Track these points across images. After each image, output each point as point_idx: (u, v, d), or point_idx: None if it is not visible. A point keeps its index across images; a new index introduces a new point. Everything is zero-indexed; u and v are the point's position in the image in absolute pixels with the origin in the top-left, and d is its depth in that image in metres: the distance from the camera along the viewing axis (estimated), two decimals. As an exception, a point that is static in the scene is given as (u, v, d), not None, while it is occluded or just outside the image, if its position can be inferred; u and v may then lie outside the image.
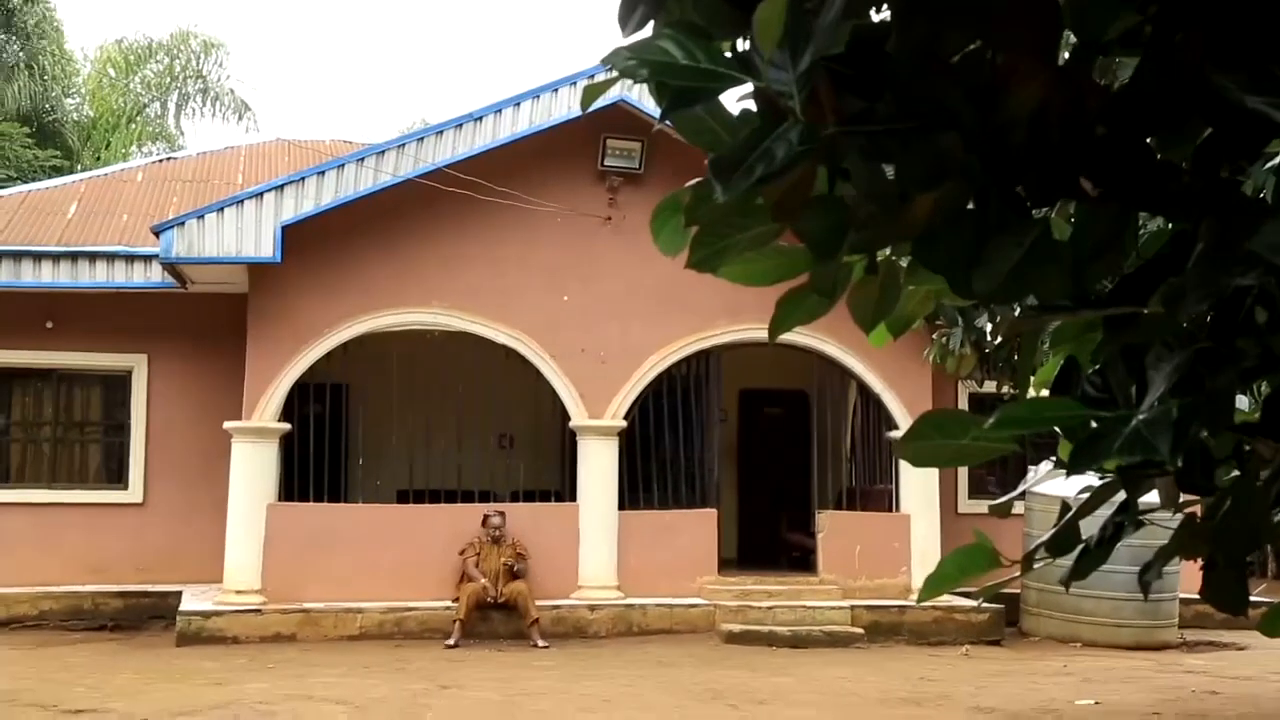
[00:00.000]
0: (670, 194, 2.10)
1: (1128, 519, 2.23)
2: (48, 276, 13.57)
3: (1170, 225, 2.41)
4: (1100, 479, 2.29)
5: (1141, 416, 1.81)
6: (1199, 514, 2.23)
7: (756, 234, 1.97)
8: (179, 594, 13.02)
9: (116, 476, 14.38)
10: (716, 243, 1.99)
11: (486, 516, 12.67)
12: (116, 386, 14.44)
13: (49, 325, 14.00)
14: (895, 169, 1.88)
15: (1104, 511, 2.32)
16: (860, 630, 12.82)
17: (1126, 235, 2.09)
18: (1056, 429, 2.07)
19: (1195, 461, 1.99)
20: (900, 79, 1.82)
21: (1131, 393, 1.91)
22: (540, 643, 12.01)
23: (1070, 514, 2.28)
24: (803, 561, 14.53)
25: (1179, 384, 1.83)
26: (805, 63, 1.73)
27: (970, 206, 1.94)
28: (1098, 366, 2.09)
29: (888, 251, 2.33)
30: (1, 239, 13.83)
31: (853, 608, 13.10)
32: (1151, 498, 2.30)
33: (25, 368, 14.21)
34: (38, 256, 13.57)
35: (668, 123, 2.02)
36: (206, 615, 12.13)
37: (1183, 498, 2.25)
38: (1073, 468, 1.89)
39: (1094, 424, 1.89)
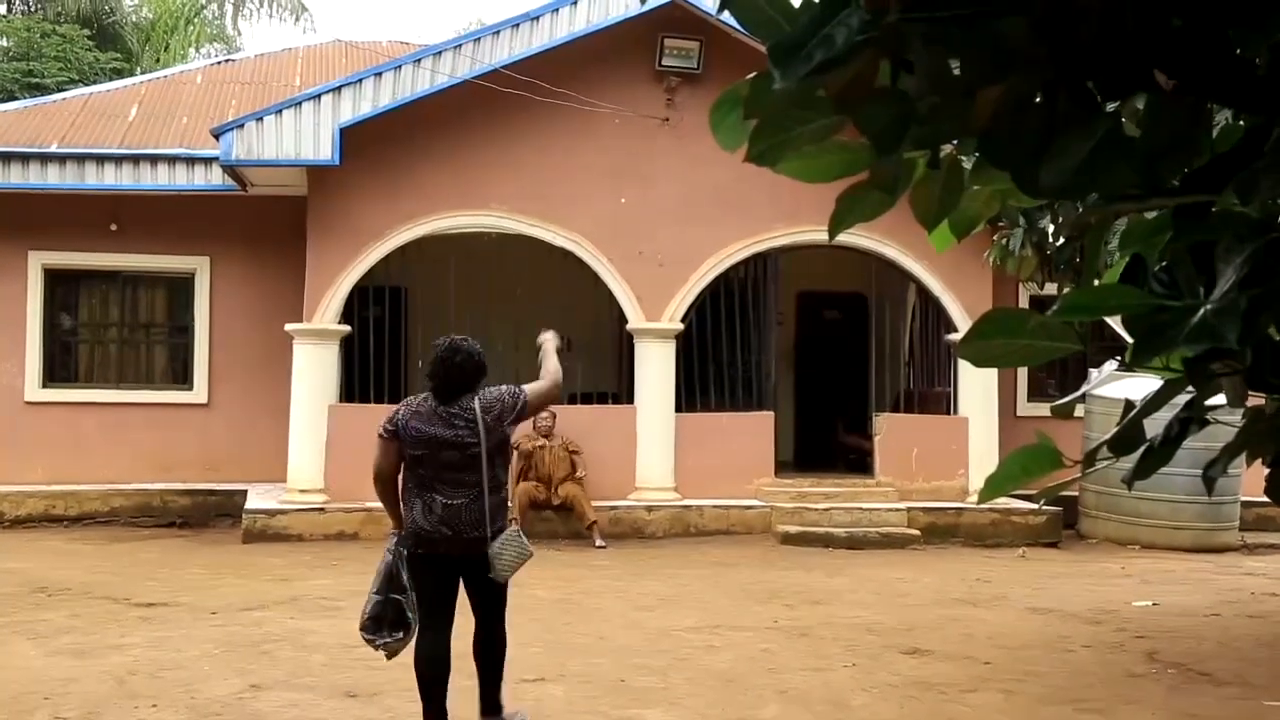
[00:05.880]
0: (730, 86, 2.07)
1: (1194, 415, 2.20)
2: (110, 179, 13.69)
3: (1242, 122, 2.35)
4: (1165, 380, 2.26)
5: (1210, 306, 1.77)
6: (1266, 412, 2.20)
7: (817, 127, 1.94)
8: (244, 492, 13.29)
9: (182, 377, 14.61)
10: (776, 135, 1.95)
11: (537, 418, 12.75)
12: (180, 288, 14.62)
13: (113, 228, 14.16)
14: (960, 60, 1.83)
15: (1165, 414, 2.28)
16: (916, 532, 12.85)
17: (1201, 131, 2.03)
18: (1121, 329, 2.04)
19: (1265, 358, 1.95)
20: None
21: (1199, 289, 1.87)
22: (598, 542, 12.15)
23: (1135, 411, 2.26)
24: (860, 464, 14.55)
25: (1249, 276, 1.79)
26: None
27: (1038, 100, 1.90)
28: (1164, 264, 2.05)
29: (951, 148, 2.29)
30: (65, 141, 13.95)
31: (909, 510, 13.12)
32: (1215, 400, 2.26)
33: (91, 269, 14.40)
34: (100, 159, 13.68)
35: (727, 15, 1.97)
36: (271, 513, 12.38)
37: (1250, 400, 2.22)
38: (1138, 358, 1.86)
39: (1160, 315, 1.86)
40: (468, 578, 5.60)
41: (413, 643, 5.58)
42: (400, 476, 5.61)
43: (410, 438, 5.49)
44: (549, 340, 6.29)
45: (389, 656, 5.67)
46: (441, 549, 5.47)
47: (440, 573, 5.55)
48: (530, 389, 5.78)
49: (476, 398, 5.54)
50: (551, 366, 6.06)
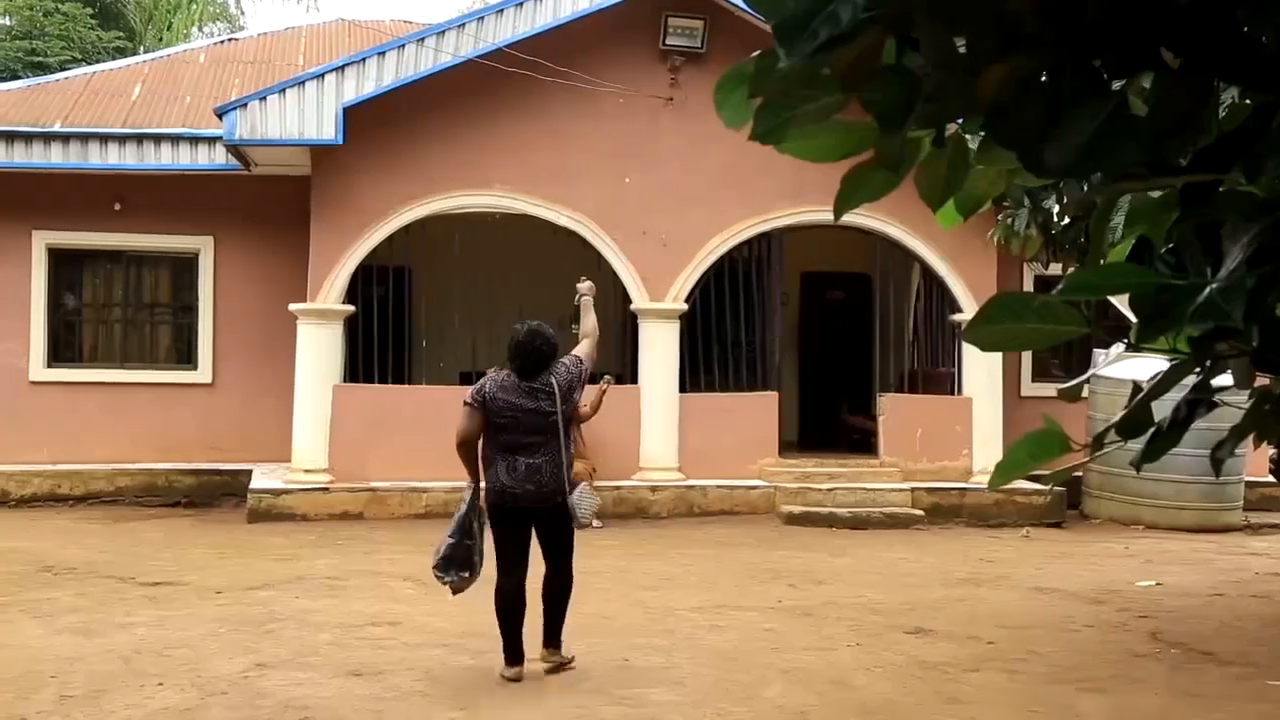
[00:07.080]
0: (735, 64, 2.05)
1: (1203, 396, 2.19)
2: (114, 158, 13.67)
3: (1249, 101, 2.33)
4: (1171, 362, 2.25)
5: (1215, 285, 1.77)
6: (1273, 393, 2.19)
7: (822, 105, 1.93)
8: (249, 472, 13.31)
9: (186, 357, 14.61)
10: (781, 114, 1.94)
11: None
12: (184, 268, 14.61)
13: (117, 207, 14.14)
14: (966, 38, 1.82)
15: (1172, 396, 2.27)
16: (920, 512, 12.86)
17: (1208, 110, 2.02)
18: (1126, 309, 2.03)
19: (1272, 339, 1.94)
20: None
21: (1206, 269, 1.86)
22: (595, 523, 12.10)
23: (1142, 394, 2.25)
24: (863, 444, 14.54)
25: (1255, 255, 1.78)
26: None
27: (1044, 78, 1.89)
28: (1171, 245, 2.04)
29: (956, 126, 2.27)
30: (68, 120, 13.92)
31: (913, 490, 13.14)
32: (1223, 380, 2.25)
33: (95, 249, 14.38)
34: (104, 138, 13.65)
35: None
36: (276, 493, 12.40)
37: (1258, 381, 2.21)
38: (1143, 337, 1.86)
39: (1166, 295, 1.85)
40: (542, 527, 6.51)
41: (467, 582, 6.55)
42: (480, 442, 6.45)
43: (497, 408, 6.36)
44: (587, 295, 7.11)
45: (454, 593, 6.57)
46: (522, 503, 6.36)
47: (519, 525, 6.45)
48: (585, 355, 6.73)
49: (553, 374, 6.43)
50: (590, 327, 6.97)
